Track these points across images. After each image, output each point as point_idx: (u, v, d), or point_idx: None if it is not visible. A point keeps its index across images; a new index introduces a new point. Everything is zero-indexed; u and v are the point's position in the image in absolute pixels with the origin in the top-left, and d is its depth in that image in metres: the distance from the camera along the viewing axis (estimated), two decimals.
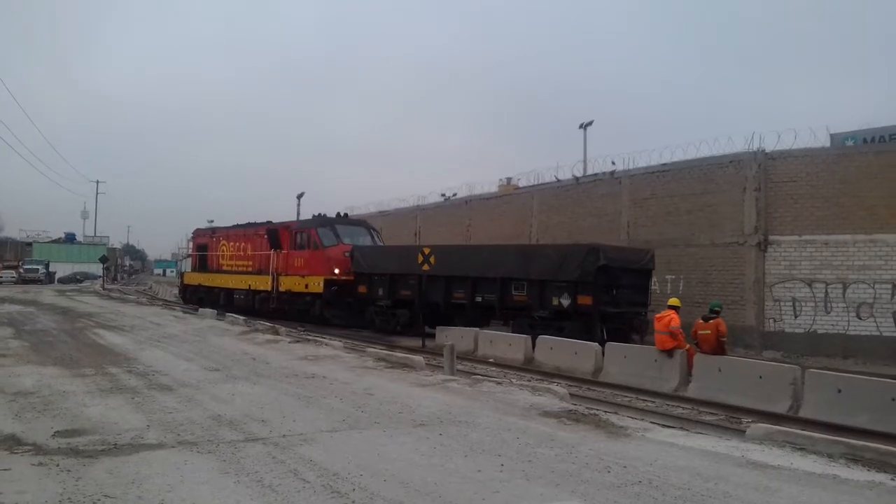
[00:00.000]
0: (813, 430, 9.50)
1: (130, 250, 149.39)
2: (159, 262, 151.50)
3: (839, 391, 11.91)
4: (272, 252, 30.88)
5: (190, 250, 43.74)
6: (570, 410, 9.68)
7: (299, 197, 59.44)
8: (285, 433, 7.78)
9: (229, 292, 34.76)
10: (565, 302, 20.17)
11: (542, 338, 18.98)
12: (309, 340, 18.70)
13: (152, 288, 68.08)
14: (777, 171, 24.05)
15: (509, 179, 40.88)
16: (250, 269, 33.35)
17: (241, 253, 34.50)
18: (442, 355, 14.59)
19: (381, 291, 26.14)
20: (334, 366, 13.57)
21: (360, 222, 31.99)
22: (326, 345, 17.60)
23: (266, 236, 32.09)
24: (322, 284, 27.50)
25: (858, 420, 11.13)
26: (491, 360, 19.11)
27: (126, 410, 8.95)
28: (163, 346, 16.45)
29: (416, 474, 6.28)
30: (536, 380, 15.04)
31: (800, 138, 24.67)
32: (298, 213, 54.42)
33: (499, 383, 12.16)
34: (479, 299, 22.75)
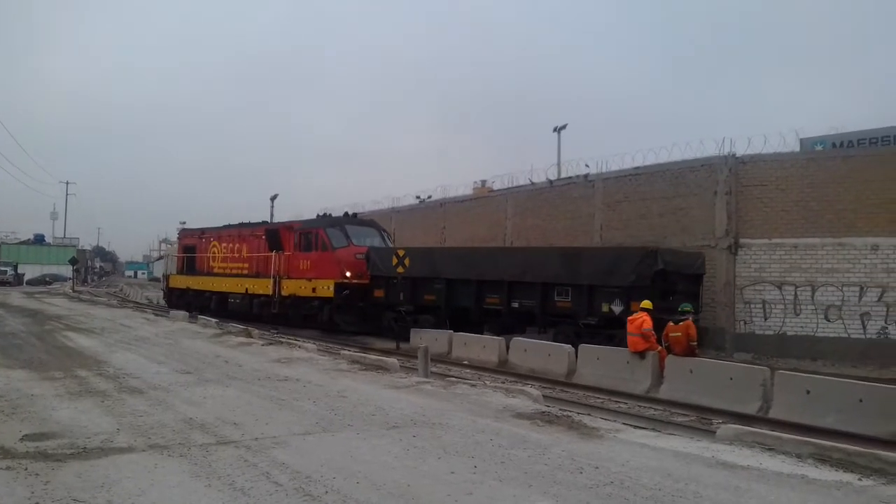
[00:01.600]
0: (782, 430, 9.63)
1: (101, 252, 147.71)
2: (130, 264, 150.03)
3: (808, 392, 12.08)
4: (273, 254, 29.11)
5: (167, 252, 42.40)
6: (544, 412, 9.73)
7: (273, 198, 59.11)
8: (258, 436, 7.73)
9: (223, 296, 32.69)
10: (617, 309, 18.83)
11: (515, 340, 19.05)
12: (282, 343, 18.60)
13: (123, 290, 67.22)
14: (748, 175, 24.35)
15: (484, 182, 40.97)
16: (246, 271, 31.62)
17: (237, 255, 32.67)
18: (416, 357, 14.59)
19: (401, 296, 24.57)
20: (308, 368, 13.51)
21: (370, 222, 30.18)
22: (300, 347, 17.51)
23: (264, 237, 30.51)
24: (332, 288, 25.82)
25: (827, 421, 11.30)
26: (465, 362, 19.14)
27: (96, 414, 8.85)
28: (134, 349, 16.27)
29: (389, 476, 6.27)
30: (510, 382, 15.09)
31: (770, 143, 25.02)
32: (272, 215, 54.07)
33: (473, 385, 12.18)
34: (515, 305, 21.40)
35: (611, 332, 18.72)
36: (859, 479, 6.66)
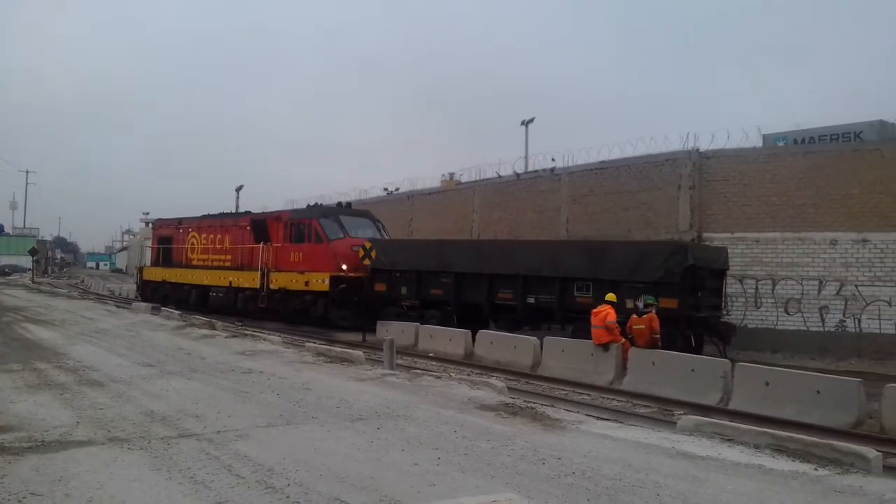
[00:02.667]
0: (741, 421, 9.79)
1: (62, 243, 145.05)
2: (92, 255, 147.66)
3: (767, 384, 12.30)
4: (261, 246, 27.76)
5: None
6: (508, 404, 9.79)
7: (238, 189, 58.61)
8: (220, 429, 7.68)
9: (203, 290, 31.06)
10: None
11: (482, 332, 19.10)
12: (247, 335, 18.45)
13: (84, 282, 66.13)
14: (711, 169, 24.67)
15: (452, 175, 41.03)
16: (229, 263, 30.18)
17: (218, 246, 31.19)
18: (382, 350, 14.58)
19: (404, 290, 23.58)
20: (272, 361, 13.43)
21: (365, 213, 28.81)
22: (265, 340, 17.39)
23: (249, 228, 29.20)
24: (327, 282, 24.65)
25: (785, 412, 11.52)
26: (431, 354, 19.15)
27: (55, 407, 8.71)
28: (94, 341, 16.04)
29: (352, 468, 6.27)
30: (476, 374, 15.14)
31: (733, 138, 25.39)
32: (237, 206, 53.56)
33: (438, 377, 12.21)
34: (531, 300, 20.35)
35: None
36: (815, 469, 6.80)
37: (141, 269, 37.56)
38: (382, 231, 27.83)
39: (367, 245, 24.46)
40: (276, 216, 28.64)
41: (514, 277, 20.58)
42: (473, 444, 7.34)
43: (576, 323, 19.32)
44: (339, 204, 28.78)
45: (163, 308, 25.99)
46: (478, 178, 36.50)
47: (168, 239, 35.43)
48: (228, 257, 30.50)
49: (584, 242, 23.08)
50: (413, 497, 5.49)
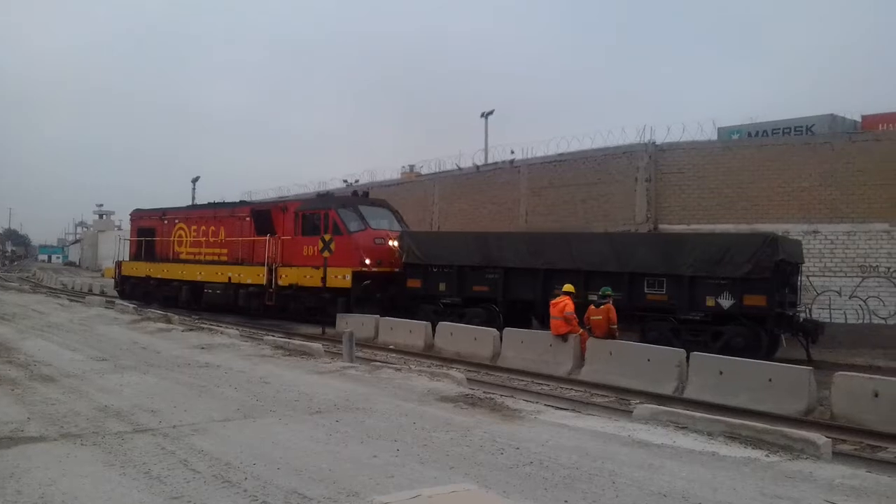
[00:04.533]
0: (696, 410, 9.97)
1: (12, 235, 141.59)
2: (44, 248, 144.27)
3: (721, 373, 12.54)
4: (267, 238, 25.52)
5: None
6: (467, 395, 9.83)
7: (194, 181, 57.84)
8: (176, 424, 7.58)
9: (196, 286, 28.65)
10: (725, 303, 17.04)
11: (442, 324, 19.10)
12: (203, 329, 18.23)
13: (36, 275, 64.67)
14: (667, 162, 25.04)
15: (412, 167, 41.01)
16: (226, 258, 27.97)
17: (213, 239, 28.84)
18: (342, 343, 14.52)
19: (443, 287, 21.84)
20: (230, 354, 13.29)
21: (381, 202, 26.41)
22: (222, 333, 17.21)
23: (249, 219, 27.03)
24: (350, 278, 22.63)
25: (738, 400, 11.74)
26: (392, 346, 19.13)
27: (5, 403, 8.54)
28: (46, 336, 15.72)
29: (310, 461, 6.24)
30: (436, 366, 15.15)
31: (688, 131, 25.84)
32: (193, 198, 52.86)
33: (398, 370, 12.20)
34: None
35: (717, 328, 17.17)
36: (766, 456, 6.95)
37: (119, 264, 34.54)
38: (402, 222, 25.90)
39: (391, 237, 23.28)
40: (282, 206, 26.63)
41: (574, 273, 18.89)
42: (433, 435, 7.36)
43: (646, 322, 18.18)
44: (355, 193, 26.75)
45: (117, 301, 25.50)
46: (438, 170, 36.57)
47: (150, 231, 32.83)
48: (225, 251, 28.30)
49: (657, 235, 21.65)
50: (371, 489, 5.49)
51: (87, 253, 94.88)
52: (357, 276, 22.62)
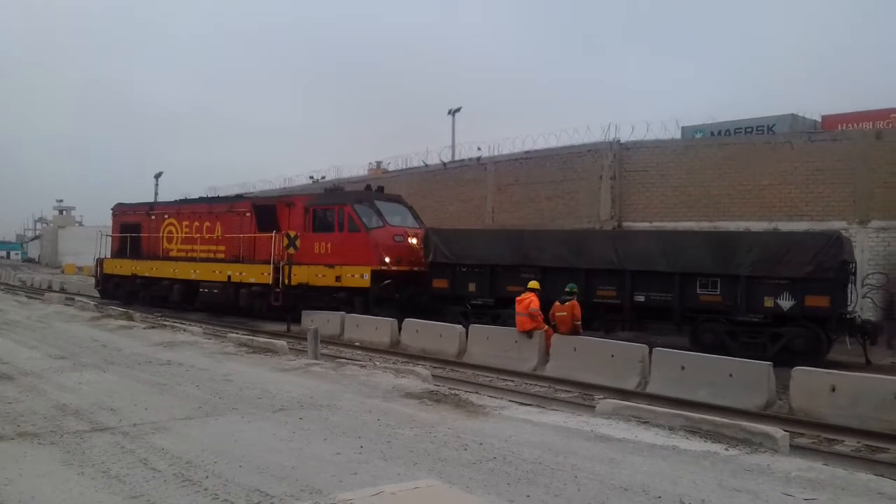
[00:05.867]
0: (658, 404, 10.09)
1: None
2: (2, 244, 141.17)
3: (683, 368, 12.70)
4: (273, 235, 24.05)
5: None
6: (432, 391, 9.84)
7: (157, 176, 57.09)
8: (136, 422, 7.48)
9: (189, 285, 27.07)
10: (785, 304, 16.37)
11: (407, 321, 19.05)
12: (166, 326, 17.99)
13: None
14: (631, 160, 25.29)
15: (379, 163, 40.91)
16: (223, 255, 26.55)
17: (208, 235, 27.30)
18: (307, 340, 14.44)
19: (473, 287, 20.78)
20: (192, 352, 13.15)
21: (397, 198, 25.17)
22: (185, 331, 17.00)
23: (250, 214, 25.75)
24: (368, 277, 21.63)
25: (699, 395, 11.91)
26: (357, 343, 19.06)
27: None
28: (3, 333, 15.43)
29: (273, 459, 6.20)
30: (401, 362, 15.15)
31: (652, 130, 26.18)
32: (156, 195, 52.13)
33: (363, 366, 12.17)
34: (640, 299, 18.07)
35: (776, 330, 16.49)
36: (726, 449, 7.07)
37: (100, 262, 32.46)
38: (418, 218, 24.82)
39: (410, 234, 22.53)
40: (287, 201, 25.32)
41: (620, 273, 18.27)
42: (397, 431, 7.35)
43: (698, 324, 17.44)
44: (368, 187, 25.32)
45: (77, 298, 25.06)
46: (405, 166, 36.53)
47: (135, 227, 31.05)
48: (222, 248, 26.77)
49: (712, 233, 20.60)
50: (334, 486, 5.47)
51: (47, 249, 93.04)
52: (376, 275, 21.65)
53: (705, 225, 23.61)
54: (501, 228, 25.48)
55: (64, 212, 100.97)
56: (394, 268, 21.84)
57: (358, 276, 21.96)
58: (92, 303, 23.50)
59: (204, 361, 12.01)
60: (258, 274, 24.47)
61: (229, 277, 25.51)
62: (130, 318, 18.80)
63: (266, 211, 25.28)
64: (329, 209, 23.63)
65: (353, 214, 22.70)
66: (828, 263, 15.95)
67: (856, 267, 18.22)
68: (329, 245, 23.07)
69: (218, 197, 29.96)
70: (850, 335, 17.19)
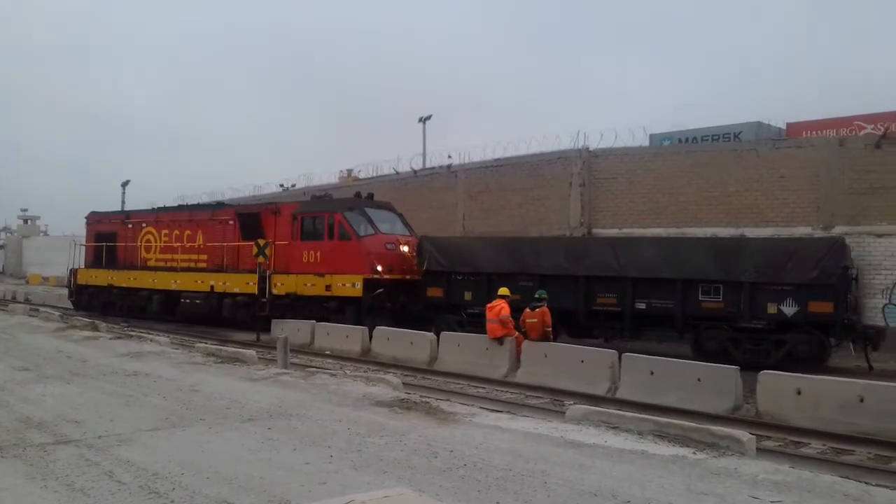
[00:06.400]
0: (627, 409, 10.17)
1: None
2: None
3: (652, 373, 12.81)
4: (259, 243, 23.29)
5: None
6: (403, 399, 9.81)
7: (124, 185, 56.44)
8: (101, 434, 7.36)
9: (170, 295, 26.52)
10: (789, 310, 16.32)
11: (378, 329, 19.01)
12: (132, 336, 17.75)
13: None
14: (600, 167, 25.51)
15: (350, 171, 40.80)
16: (205, 264, 25.96)
17: (189, 244, 26.77)
18: (276, 349, 14.33)
19: (468, 296, 20.38)
20: (159, 362, 12.98)
21: (387, 205, 24.69)
22: (152, 341, 16.78)
23: (234, 222, 25.20)
24: (360, 286, 21.23)
25: (668, 399, 12.01)
26: (328, 352, 18.98)
27: None
28: None
29: (241, 470, 6.14)
30: (372, 371, 15.11)
31: (621, 137, 26.38)
32: (123, 203, 51.49)
33: (333, 375, 12.11)
34: (641, 306, 17.92)
35: (780, 336, 16.51)
36: (693, 453, 7.13)
37: (74, 273, 31.71)
38: (407, 225, 24.41)
39: (402, 241, 22.35)
40: (272, 209, 24.69)
41: (620, 280, 18.13)
42: (367, 440, 7.32)
43: (700, 331, 17.31)
44: (358, 194, 24.87)
45: (41, 308, 24.64)
46: (375, 174, 36.47)
47: (111, 236, 30.30)
48: (204, 257, 26.19)
49: (713, 239, 20.44)
50: (303, 496, 5.43)
51: (11, 259, 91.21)
52: (368, 284, 21.28)
53: (673, 231, 23.88)
54: (498, 236, 25.12)
55: (29, 221, 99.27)
56: (386, 276, 21.54)
57: (349, 285, 21.57)
58: (57, 313, 23.12)
59: (171, 372, 11.86)
60: (243, 283, 23.99)
61: (212, 287, 24.91)
62: (96, 329, 18.52)
63: (250, 219, 24.78)
64: (318, 216, 23.18)
65: (343, 222, 22.31)
66: (831, 269, 15.97)
67: (857, 272, 18.29)
68: (318, 253, 22.63)
69: (198, 204, 29.18)
70: (854, 341, 17.04)
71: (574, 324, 19.04)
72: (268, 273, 22.99)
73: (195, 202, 32.75)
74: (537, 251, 20.03)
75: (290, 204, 25.30)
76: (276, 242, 23.49)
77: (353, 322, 20.72)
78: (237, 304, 24.11)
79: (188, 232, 26.94)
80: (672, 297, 17.46)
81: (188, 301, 25.75)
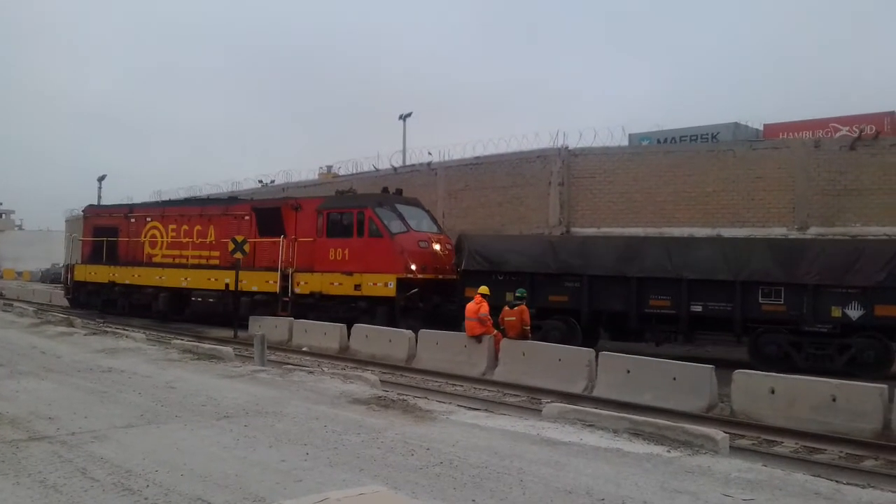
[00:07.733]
0: (603, 408, 10.24)
1: None
2: None
3: (628, 372, 12.90)
4: (281, 240, 22.84)
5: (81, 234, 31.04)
6: (380, 397, 9.81)
7: (100, 179, 55.87)
8: (75, 431, 7.30)
9: (180, 293, 25.62)
10: (854, 313, 15.74)
11: (357, 326, 19.00)
12: (108, 332, 17.62)
13: None
14: (578, 166, 25.63)
15: (329, 167, 40.66)
16: (218, 261, 24.91)
17: (199, 240, 25.75)
18: (253, 345, 14.28)
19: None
20: (135, 359, 12.88)
21: (415, 201, 23.87)
22: (127, 337, 16.64)
23: (250, 217, 24.44)
24: (394, 286, 20.40)
25: (644, 398, 12.11)
26: (306, 349, 18.93)
27: None
28: None
29: (216, 467, 6.11)
30: (350, 368, 15.08)
31: (600, 137, 26.56)
32: (99, 198, 50.93)
33: (310, 372, 12.09)
34: (697, 308, 17.21)
35: (844, 341, 15.82)
36: (668, 451, 7.19)
37: (71, 268, 30.53)
38: (437, 223, 23.73)
39: (433, 239, 21.71)
40: (293, 203, 23.81)
41: (675, 282, 17.40)
42: (343, 438, 7.31)
43: (759, 335, 16.66)
44: (385, 189, 23.65)
45: (15, 303, 24.33)
46: (355, 171, 36.39)
47: (111, 230, 29.15)
48: (217, 253, 25.06)
49: (776, 240, 19.63)
50: (278, 493, 5.41)
51: None
52: (401, 284, 20.45)
53: (651, 231, 24.04)
54: (544, 235, 24.28)
55: (3, 215, 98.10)
56: (420, 276, 20.78)
57: (381, 285, 20.77)
58: (31, 309, 22.85)
59: (147, 368, 11.78)
60: (262, 282, 23.18)
61: (227, 285, 23.73)
62: (71, 325, 18.35)
63: (268, 214, 24.04)
64: (346, 212, 22.23)
65: (374, 218, 21.43)
66: None
67: None
68: (347, 251, 21.72)
69: (209, 198, 28.54)
70: None
71: (623, 327, 18.48)
72: (290, 271, 22.37)
73: (171, 198, 32.27)
74: (585, 251, 19.11)
75: (313, 199, 24.41)
76: (299, 239, 22.79)
77: (386, 323, 19.83)
78: (256, 303, 23.24)
79: (199, 227, 25.98)
80: (730, 300, 16.85)
81: (199, 299, 24.95)
